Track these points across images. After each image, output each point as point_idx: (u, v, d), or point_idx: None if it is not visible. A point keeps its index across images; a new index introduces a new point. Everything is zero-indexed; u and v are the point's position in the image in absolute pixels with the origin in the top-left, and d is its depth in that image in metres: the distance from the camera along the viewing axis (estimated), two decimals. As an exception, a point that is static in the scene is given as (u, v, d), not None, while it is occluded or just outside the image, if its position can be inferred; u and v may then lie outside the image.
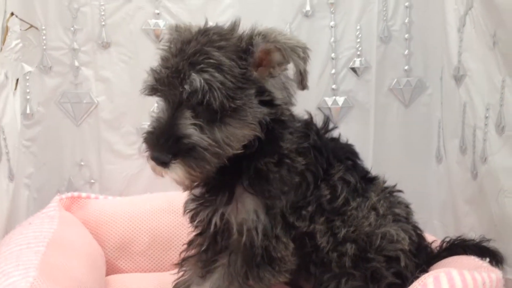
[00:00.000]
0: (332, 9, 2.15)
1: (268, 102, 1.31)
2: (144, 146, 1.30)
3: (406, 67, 2.22)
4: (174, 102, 1.25)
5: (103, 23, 2.09)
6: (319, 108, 2.18)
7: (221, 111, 1.23)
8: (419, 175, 2.24)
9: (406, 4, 2.18)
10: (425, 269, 1.48)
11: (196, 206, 1.44)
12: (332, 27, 2.16)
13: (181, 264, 1.58)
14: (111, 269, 1.90)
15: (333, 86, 2.20)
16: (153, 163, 1.26)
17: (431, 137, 2.22)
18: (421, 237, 1.58)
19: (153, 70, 1.29)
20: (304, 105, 1.49)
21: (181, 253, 1.59)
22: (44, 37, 2.07)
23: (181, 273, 1.57)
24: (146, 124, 1.79)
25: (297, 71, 1.27)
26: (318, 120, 1.54)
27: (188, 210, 1.48)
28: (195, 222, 1.48)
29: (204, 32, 1.31)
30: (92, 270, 1.60)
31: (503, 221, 1.64)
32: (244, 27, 1.33)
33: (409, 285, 1.35)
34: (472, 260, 1.50)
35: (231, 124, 1.26)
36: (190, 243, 1.57)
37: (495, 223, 1.68)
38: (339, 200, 1.44)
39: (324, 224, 1.42)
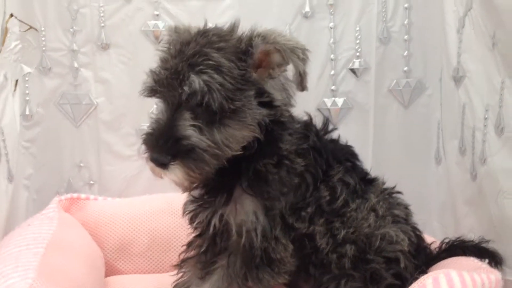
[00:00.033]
0: (331, 10, 2.15)
1: (268, 103, 1.31)
2: (143, 147, 1.30)
3: (405, 68, 2.22)
4: (173, 104, 1.25)
5: (102, 24, 2.09)
6: (318, 109, 2.18)
7: (220, 112, 1.23)
8: (418, 176, 2.24)
9: (406, 5, 2.18)
10: (424, 270, 1.48)
11: (195, 207, 1.45)
12: (331, 28, 2.16)
13: (180, 265, 1.58)
14: (110, 270, 1.90)
15: (333, 87, 2.20)
16: (152, 164, 1.26)
17: (430, 138, 2.22)
18: (420, 238, 1.58)
19: (152, 72, 1.29)
20: (303, 106, 1.49)
21: (180, 254, 1.59)
22: (43, 38, 2.07)
23: (180, 275, 1.57)
24: (146, 125, 1.79)
25: (297, 72, 1.27)
26: (318, 121, 1.54)
27: (187, 212, 1.48)
28: (194, 223, 1.48)
29: (204, 33, 1.31)
30: (91, 271, 1.60)
31: (502, 222, 1.64)
32: (244, 28, 1.33)
33: (409, 286, 1.35)
34: (471, 261, 1.50)
35: (230, 126, 1.26)
36: (189, 245, 1.57)
37: (494, 224, 1.68)
38: (339, 202, 1.43)
39: (324, 225, 1.42)
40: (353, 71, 2.20)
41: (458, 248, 1.62)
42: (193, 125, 1.24)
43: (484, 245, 1.61)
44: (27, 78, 2.06)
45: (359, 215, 1.44)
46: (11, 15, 1.90)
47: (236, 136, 1.28)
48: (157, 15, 2.11)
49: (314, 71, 2.12)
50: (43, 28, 2.07)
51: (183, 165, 1.23)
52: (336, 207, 1.43)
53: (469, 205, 1.85)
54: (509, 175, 1.61)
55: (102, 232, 1.91)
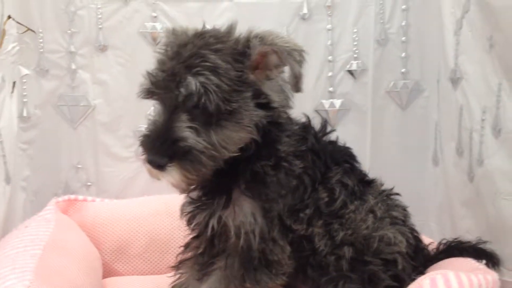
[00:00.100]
0: (329, 12, 2.16)
1: (265, 105, 1.31)
2: (140, 149, 1.29)
3: (403, 70, 2.22)
4: (170, 105, 1.25)
5: (100, 26, 2.09)
6: (316, 111, 2.18)
7: (217, 114, 1.23)
8: (416, 177, 2.24)
9: (403, 7, 2.18)
10: (422, 271, 1.48)
11: (193, 209, 1.44)
12: (329, 30, 2.17)
13: (177, 266, 1.58)
14: (108, 272, 1.90)
15: (330, 89, 2.20)
16: (149, 166, 1.25)
17: (428, 140, 2.22)
18: (418, 240, 1.57)
19: (149, 74, 1.28)
20: (301, 107, 1.48)
21: (177, 255, 1.59)
22: (41, 40, 2.07)
23: (178, 276, 1.57)
24: (143, 127, 1.79)
25: (292, 74, 1.27)
26: (316, 123, 1.54)
27: (185, 213, 1.48)
28: (192, 225, 1.47)
29: (201, 35, 1.31)
30: (88, 273, 1.60)
31: (500, 224, 1.64)
32: (241, 30, 1.33)
33: (406, 287, 1.35)
34: (468, 262, 1.51)
35: (227, 127, 1.26)
36: (186, 246, 1.56)
37: (491, 226, 1.68)
38: (337, 203, 1.43)
39: (322, 227, 1.41)
40: (350, 72, 2.20)
41: (455, 249, 1.62)
42: (190, 127, 1.23)
43: (481, 246, 1.61)
44: (24, 80, 2.05)
45: (357, 216, 1.44)
46: (9, 17, 1.90)
47: (233, 137, 1.27)
48: (155, 17, 2.11)
49: (312, 72, 2.13)
50: (40, 30, 2.06)
51: (180, 167, 1.23)
52: (335, 209, 1.43)
53: (466, 207, 1.85)
54: (506, 177, 1.62)
55: (100, 234, 1.91)
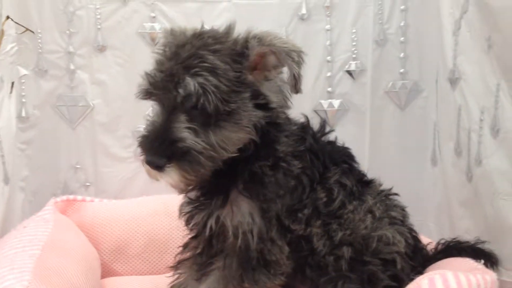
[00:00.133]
0: (328, 13, 2.16)
1: (263, 106, 1.31)
2: (139, 149, 1.29)
3: (401, 70, 2.22)
4: (169, 106, 1.25)
5: (98, 26, 2.09)
6: (315, 111, 2.19)
7: (215, 114, 1.23)
8: (414, 177, 2.24)
9: (402, 7, 2.18)
10: (421, 271, 1.48)
11: (191, 209, 1.44)
12: (328, 30, 2.17)
13: (176, 267, 1.58)
14: (106, 272, 1.90)
15: (329, 89, 2.20)
16: (148, 167, 1.26)
17: (426, 140, 2.22)
18: (416, 240, 1.58)
19: (147, 74, 1.28)
20: (300, 108, 1.49)
21: (176, 256, 1.59)
22: (39, 41, 2.07)
23: (176, 276, 1.57)
24: (142, 127, 1.78)
25: (291, 75, 1.27)
26: (315, 123, 1.54)
27: (183, 213, 1.48)
28: (190, 225, 1.48)
29: (199, 35, 1.31)
30: (87, 273, 1.60)
31: (498, 223, 1.64)
32: (240, 31, 1.33)
33: (405, 287, 1.35)
34: (467, 262, 1.51)
35: (225, 128, 1.26)
36: (185, 246, 1.56)
37: (490, 226, 1.69)
38: (336, 203, 1.43)
39: (321, 227, 1.42)
40: (349, 73, 2.20)
41: (454, 249, 1.62)
42: (189, 128, 1.23)
43: (479, 246, 1.61)
44: (23, 80, 2.05)
45: (356, 216, 1.44)
46: (7, 17, 1.90)
47: (232, 138, 1.28)
48: (154, 17, 2.11)
49: (310, 73, 2.13)
50: (39, 30, 2.06)
51: (179, 167, 1.23)
52: (333, 209, 1.43)
53: (465, 207, 1.86)
54: (504, 177, 1.62)
55: (99, 234, 1.91)
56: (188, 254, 1.55)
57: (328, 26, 2.16)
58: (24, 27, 2.02)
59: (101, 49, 2.11)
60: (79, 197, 2.01)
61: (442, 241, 1.66)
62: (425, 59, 2.20)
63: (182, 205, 1.48)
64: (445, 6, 1.94)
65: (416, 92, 2.24)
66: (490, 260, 1.57)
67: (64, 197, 1.97)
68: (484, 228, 1.71)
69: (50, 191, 2.14)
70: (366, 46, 2.18)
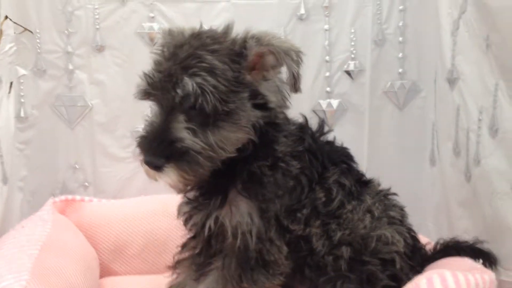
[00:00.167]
0: (326, 13, 2.16)
1: (262, 105, 1.31)
2: (137, 150, 1.29)
3: (400, 70, 2.22)
4: (167, 106, 1.25)
5: (97, 26, 2.09)
6: (313, 111, 2.19)
7: (214, 114, 1.23)
8: (413, 177, 2.24)
9: (400, 7, 2.18)
10: (419, 271, 1.48)
11: (189, 209, 1.44)
12: (326, 30, 2.17)
13: (175, 266, 1.58)
14: (105, 272, 1.90)
15: (328, 89, 2.20)
16: (146, 167, 1.26)
17: (425, 140, 2.23)
18: (415, 239, 1.58)
19: (146, 75, 1.28)
20: (298, 108, 1.49)
21: (174, 255, 1.59)
22: (38, 41, 2.07)
23: (175, 276, 1.57)
24: (140, 127, 1.78)
25: (290, 74, 1.27)
26: (313, 123, 1.54)
27: (182, 213, 1.48)
28: (189, 225, 1.48)
29: (197, 35, 1.31)
30: (85, 273, 1.60)
31: (497, 223, 1.64)
32: (239, 31, 1.33)
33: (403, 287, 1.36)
34: (465, 262, 1.51)
35: (224, 128, 1.26)
36: (183, 246, 1.56)
37: (488, 225, 1.69)
38: (335, 203, 1.43)
39: (320, 227, 1.41)
40: (348, 73, 2.20)
41: (452, 248, 1.62)
42: (187, 128, 1.23)
43: (478, 245, 1.61)
44: (22, 80, 2.06)
45: (355, 216, 1.44)
46: (6, 17, 1.90)
47: (230, 138, 1.28)
48: (152, 17, 2.11)
49: (309, 73, 2.13)
50: (38, 30, 2.06)
51: (177, 167, 1.23)
52: (332, 209, 1.43)
53: (463, 206, 1.86)
54: (503, 177, 1.62)
55: (97, 234, 1.91)
56: (186, 254, 1.55)
57: (326, 26, 2.16)
58: (23, 27, 2.02)
59: (100, 49, 2.11)
60: (77, 197, 2.01)
61: (441, 241, 1.66)
62: (423, 59, 2.20)
63: (180, 205, 1.48)
64: (443, 6, 1.95)
65: (415, 92, 2.24)
66: (488, 259, 1.57)
67: (63, 197, 1.97)
68: (483, 228, 1.71)
69: (49, 191, 2.14)
70: (365, 46, 2.19)
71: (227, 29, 1.34)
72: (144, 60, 1.39)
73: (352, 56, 2.19)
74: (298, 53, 1.27)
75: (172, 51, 1.28)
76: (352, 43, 2.18)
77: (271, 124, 1.36)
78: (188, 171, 1.24)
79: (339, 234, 1.41)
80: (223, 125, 1.25)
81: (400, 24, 2.19)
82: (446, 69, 1.93)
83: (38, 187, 2.13)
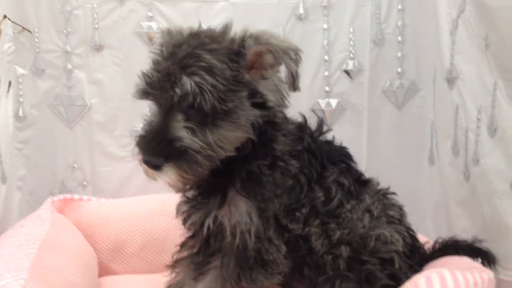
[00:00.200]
0: (325, 12, 2.16)
1: (261, 105, 1.31)
2: (136, 149, 1.29)
3: (399, 70, 2.23)
4: (166, 106, 1.25)
5: (96, 25, 2.09)
6: (312, 110, 2.19)
7: (212, 113, 1.23)
8: (412, 176, 2.24)
9: (399, 7, 2.19)
10: (418, 270, 1.48)
11: (188, 208, 1.44)
12: (325, 29, 2.17)
13: (173, 266, 1.58)
14: (104, 271, 1.90)
15: (327, 88, 2.20)
16: (145, 166, 1.26)
17: (424, 139, 2.23)
18: (414, 239, 1.58)
19: (144, 74, 1.28)
20: (297, 107, 1.49)
21: (173, 255, 1.59)
22: (37, 40, 2.07)
23: (173, 275, 1.57)
24: (139, 126, 1.78)
25: (289, 73, 1.27)
26: (312, 123, 1.54)
27: (180, 212, 1.48)
28: (188, 224, 1.48)
29: (196, 35, 1.31)
30: (84, 272, 1.60)
31: (495, 222, 1.64)
32: (237, 30, 1.33)
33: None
34: (464, 261, 1.51)
35: (223, 127, 1.26)
36: (182, 245, 1.56)
37: (487, 224, 1.69)
38: (333, 203, 1.43)
39: (319, 226, 1.42)
40: (347, 72, 2.20)
41: (451, 248, 1.62)
42: (186, 127, 1.23)
43: (477, 244, 1.62)
44: (20, 80, 2.05)
45: (354, 216, 1.44)
46: (4, 17, 1.90)
47: (229, 137, 1.28)
48: (151, 16, 2.11)
49: (308, 72, 2.13)
50: (36, 30, 2.06)
51: (176, 166, 1.23)
52: (331, 208, 1.43)
53: (462, 206, 1.86)
54: (501, 176, 1.62)
55: (96, 233, 1.91)
56: (185, 253, 1.55)
57: (325, 26, 2.17)
58: (21, 27, 2.02)
59: (98, 48, 2.10)
60: (76, 196, 2.01)
61: (440, 240, 1.66)
62: (422, 59, 2.20)
63: (179, 204, 1.48)
64: (442, 5, 1.95)
65: (414, 91, 2.24)
66: (487, 258, 1.58)
67: (62, 196, 1.97)
68: (482, 227, 1.71)
69: (48, 190, 2.14)
70: (364, 46, 2.19)
71: (226, 29, 1.34)
72: (142, 60, 1.39)
73: (351, 55, 2.19)
74: (296, 51, 1.27)
75: (170, 50, 1.28)
76: (351, 43, 2.18)
77: (270, 123, 1.36)
78: (187, 170, 1.24)
79: (338, 233, 1.41)
80: (222, 124, 1.25)
81: (399, 23, 2.19)
82: (445, 68, 1.94)
83: (36, 186, 2.13)
